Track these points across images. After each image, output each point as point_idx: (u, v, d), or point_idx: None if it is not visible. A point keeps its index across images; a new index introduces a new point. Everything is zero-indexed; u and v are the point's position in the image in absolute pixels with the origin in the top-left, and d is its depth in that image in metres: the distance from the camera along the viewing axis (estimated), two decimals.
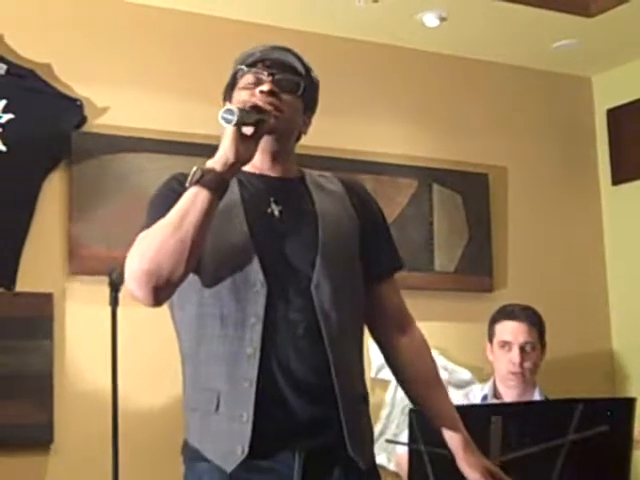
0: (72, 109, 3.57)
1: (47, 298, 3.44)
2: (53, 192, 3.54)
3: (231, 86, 2.12)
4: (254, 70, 2.06)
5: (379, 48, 4.25)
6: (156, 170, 3.61)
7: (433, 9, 3.96)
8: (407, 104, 4.30)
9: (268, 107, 1.96)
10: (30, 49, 3.56)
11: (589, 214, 4.68)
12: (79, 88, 3.62)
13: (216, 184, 1.87)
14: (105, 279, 3.04)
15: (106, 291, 3.03)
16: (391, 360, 2.18)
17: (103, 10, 3.74)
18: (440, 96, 4.38)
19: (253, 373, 1.91)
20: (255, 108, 1.93)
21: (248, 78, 2.07)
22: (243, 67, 2.08)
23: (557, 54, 4.43)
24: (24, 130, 3.46)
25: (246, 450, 1.90)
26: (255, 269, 1.95)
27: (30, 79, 3.52)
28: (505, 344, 3.48)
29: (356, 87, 4.14)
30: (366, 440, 2.07)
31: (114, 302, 3.03)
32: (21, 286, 3.43)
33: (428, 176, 4.25)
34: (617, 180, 4.63)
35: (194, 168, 1.90)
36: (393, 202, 4.11)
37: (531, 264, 4.44)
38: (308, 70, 2.13)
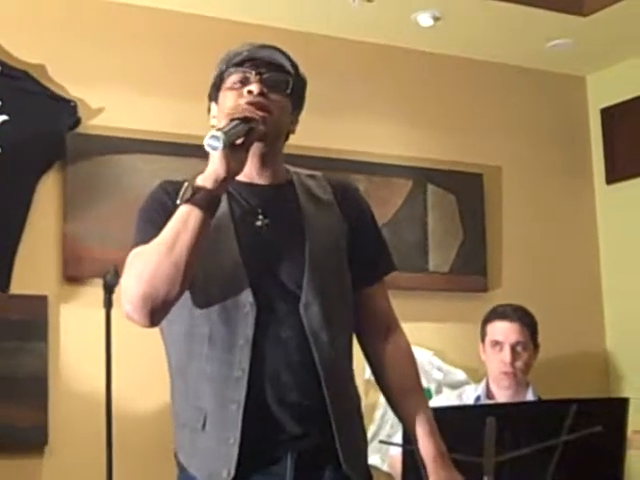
0: (66, 110, 3.57)
1: (42, 300, 3.44)
2: (47, 193, 3.53)
3: (217, 86, 2.08)
4: (241, 69, 2.02)
5: (373, 48, 4.25)
6: (150, 171, 3.60)
7: (427, 9, 3.96)
8: (401, 104, 4.30)
9: (256, 115, 1.91)
10: (24, 50, 3.55)
11: (583, 213, 4.69)
12: (73, 89, 3.62)
13: (207, 202, 1.84)
14: (99, 281, 3.04)
15: (100, 293, 3.03)
16: (372, 364, 2.15)
17: (96, 11, 3.74)
18: (434, 96, 4.38)
19: (241, 395, 1.90)
20: (243, 120, 1.87)
21: (235, 77, 2.03)
22: (230, 67, 2.04)
23: (551, 53, 4.43)
24: (18, 131, 3.46)
25: (232, 472, 1.88)
26: (245, 290, 1.93)
27: (24, 80, 3.52)
28: (496, 344, 3.48)
29: (350, 87, 4.14)
30: (360, 453, 2.05)
31: (108, 304, 3.03)
32: (16, 288, 3.42)
33: (422, 176, 4.25)
34: (611, 179, 4.64)
35: (185, 184, 1.86)
36: (387, 202, 4.11)
37: (525, 264, 4.44)
38: (296, 68, 2.09)
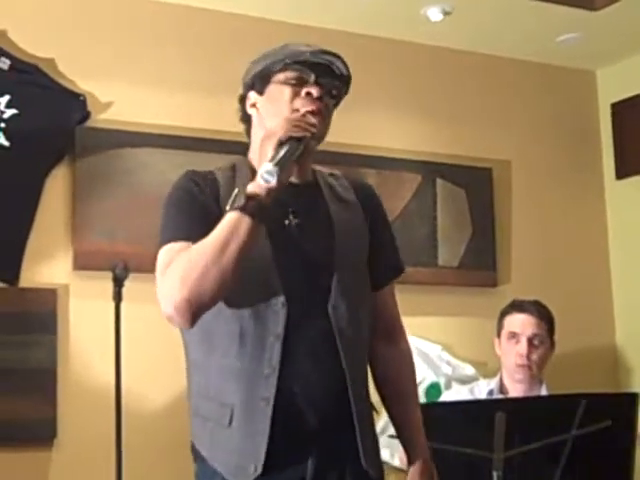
0: (75, 104, 3.57)
1: (51, 293, 3.44)
2: (57, 187, 3.54)
3: (264, 77, 2.06)
4: (300, 68, 2.03)
5: (383, 42, 4.24)
6: (160, 165, 3.61)
7: (437, 3, 3.95)
8: (411, 98, 4.29)
9: (311, 132, 1.93)
10: (33, 44, 3.55)
11: (593, 208, 4.68)
12: (83, 83, 3.62)
13: (259, 211, 1.85)
14: (109, 274, 3.04)
15: (110, 286, 3.04)
16: (372, 364, 2.17)
17: (106, 5, 3.74)
18: (444, 90, 4.37)
19: (270, 392, 1.92)
20: (298, 139, 1.90)
21: (291, 74, 2.03)
22: (288, 63, 2.03)
23: (561, 48, 4.42)
24: (27, 125, 3.46)
25: (259, 469, 1.90)
26: (276, 289, 1.95)
27: (33, 74, 3.52)
28: (513, 336, 3.48)
29: (359, 81, 4.07)
30: (377, 452, 2.09)
31: (117, 297, 3.04)
32: (25, 281, 3.43)
33: (432, 170, 4.24)
34: (621, 174, 4.62)
35: (235, 190, 1.89)
36: (396, 197, 4.10)
37: (535, 259, 4.43)
38: (350, 78, 2.13)
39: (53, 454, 3.40)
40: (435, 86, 4.36)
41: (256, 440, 1.90)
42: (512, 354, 3.48)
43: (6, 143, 3.43)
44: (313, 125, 1.95)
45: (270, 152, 1.88)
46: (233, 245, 1.83)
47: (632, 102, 4.57)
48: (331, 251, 2.02)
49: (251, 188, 1.87)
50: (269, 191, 1.86)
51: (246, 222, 1.83)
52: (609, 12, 4.04)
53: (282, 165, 1.86)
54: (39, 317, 3.40)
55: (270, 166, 1.85)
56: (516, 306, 3.54)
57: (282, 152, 1.88)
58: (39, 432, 3.36)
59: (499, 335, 3.57)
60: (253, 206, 1.84)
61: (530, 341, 3.46)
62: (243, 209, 1.84)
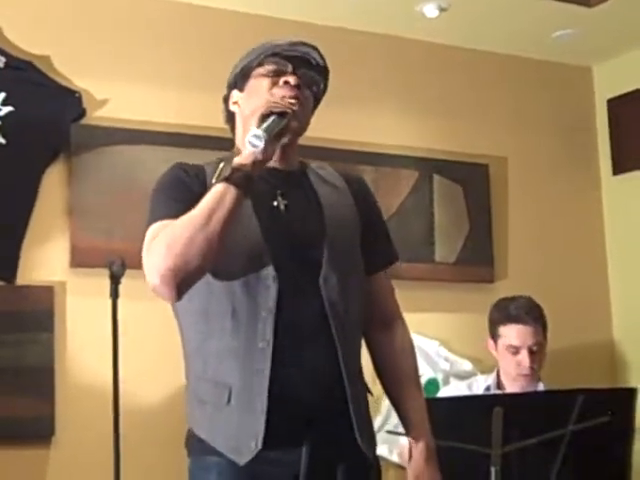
0: (71, 101, 3.57)
1: (48, 291, 3.44)
2: (52, 184, 3.53)
3: (245, 74, 2.11)
4: (277, 60, 2.07)
5: (379, 38, 4.24)
6: (155, 162, 3.60)
7: None
8: (407, 95, 4.29)
9: (292, 109, 1.97)
10: (29, 41, 3.55)
11: (589, 204, 4.68)
12: (78, 80, 3.61)
13: (245, 181, 1.88)
14: (105, 271, 3.04)
15: (106, 283, 3.03)
16: (371, 353, 2.19)
17: (102, 2, 3.73)
18: (440, 86, 4.37)
19: (266, 366, 1.93)
20: (280, 114, 1.94)
21: (270, 67, 2.07)
22: (266, 57, 2.07)
23: (557, 44, 4.42)
24: (23, 123, 3.45)
25: (260, 444, 1.91)
26: (266, 263, 1.97)
27: (29, 71, 3.52)
28: (513, 348, 3.43)
29: (356, 78, 4.13)
30: (371, 430, 2.10)
31: (115, 294, 3.03)
32: (22, 279, 3.43)
33: (428, 167, 4.24)
34: (618, 170, 4.63)
35: (221, 164, 1.93)
36: (393, 193, 4.10)
37: (532, 255, 4.44)
38: (327, 70, 2.15)
39: (51, 452, 3.40)
40: (431, 82, 4.36)
41: (255, 415, 1.92)
42: (512, 364, 3.43)
43: (2, 140, 3.43)
44: (292, 104, 1.99)
45: (254, 125, 1.92)
46: (219, 214, 1.85)
47: (628, 98, 4.57)
48: (321, 229, 2.04)
49: (237, 160, 1.91)
50: (255, 162, 1.89)
51: (232, 192, 1.87)
52: (604, 8, 4.04)
53: (268, 131, 1.89)
54: (36, 315, 3.40)
55: (259, 131, 1.88)
56: (511, 316, 3.44)
57: (267, 122, 1.92)
58: (37, 430, 3.36)
59: (494, 340, 3.51)
60: (239, 176, 1.88)
61: (530, 349, 3.41)
62: (229, 179, 1.88)
